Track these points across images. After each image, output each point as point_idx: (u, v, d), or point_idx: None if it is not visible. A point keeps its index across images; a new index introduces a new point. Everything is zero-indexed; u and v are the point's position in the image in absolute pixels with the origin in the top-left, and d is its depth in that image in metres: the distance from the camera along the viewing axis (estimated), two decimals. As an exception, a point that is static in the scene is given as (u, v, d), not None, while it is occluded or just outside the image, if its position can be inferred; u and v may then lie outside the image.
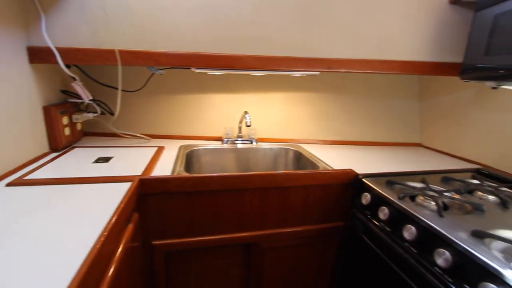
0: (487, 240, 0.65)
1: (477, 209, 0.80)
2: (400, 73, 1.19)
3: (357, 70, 1.18)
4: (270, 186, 0.96)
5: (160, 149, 1.19)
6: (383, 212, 0.85)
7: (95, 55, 1.00)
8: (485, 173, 1.12)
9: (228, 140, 1.37)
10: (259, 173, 0.93)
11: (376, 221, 0.91)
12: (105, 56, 1.00)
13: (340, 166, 1.09)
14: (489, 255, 0.58)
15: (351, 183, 1.03)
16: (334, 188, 1.04)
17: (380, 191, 0.90)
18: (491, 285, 0.54)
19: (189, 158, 1.23)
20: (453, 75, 1.21)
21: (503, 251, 0.62)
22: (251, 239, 1.01)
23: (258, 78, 1.43)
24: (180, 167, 1.00)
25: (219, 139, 1.42)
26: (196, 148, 1.27)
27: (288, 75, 1.37)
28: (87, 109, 1.27)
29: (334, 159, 1.21)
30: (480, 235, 0.65)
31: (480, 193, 0.93)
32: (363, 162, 1.19)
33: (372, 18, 1.12)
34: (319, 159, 1.19)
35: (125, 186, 0.79)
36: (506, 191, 0.94)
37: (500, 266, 0.55)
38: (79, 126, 1.23)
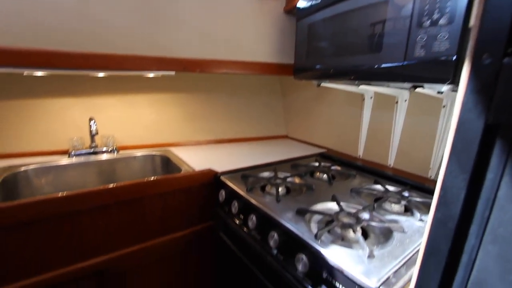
0: (308, 215, 0.75)
1: (309, 188, 0.93)
2: (251, 73, 1.28)
3: (212, 71, 1.20)
4: (111, 202, 0.84)
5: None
6: (234, 206, 0.88)
7: None
8: (325, 156, 1.35)
9: (77, 153, 1.14)
10: (91, 190, 0.80)
11: (231, 216, 0.93)
12: None
13: (207, 166, 1.06)
14: (302, 229, 0.67)
15: (211, 182, 1.03)
16: (196, 190, 1.01)
17: (232, 186, 0.93)
18: (302, 254, 0.62)
19: (12, 184, 0.95)
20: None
21: (318, 222, 0.73)
22: (100, 266, 0.86)
23: (116, 78, 1.25)
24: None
25: (65, 152, 1.17)
26: (24, 169, 1.00)
27: (141, 75, 1.27)
28: None
29: (202, 160, 1.20)
30: (302, 213, 0.75)
31: (318, 173, 1.10)
32: (231, 160, 1.22)
33: (221, 21, 1.16)
34: (184, 162, 1.15)
35: None
36: (335, 169, 1.14)
37: (309, 238, 0.63)
38: None
